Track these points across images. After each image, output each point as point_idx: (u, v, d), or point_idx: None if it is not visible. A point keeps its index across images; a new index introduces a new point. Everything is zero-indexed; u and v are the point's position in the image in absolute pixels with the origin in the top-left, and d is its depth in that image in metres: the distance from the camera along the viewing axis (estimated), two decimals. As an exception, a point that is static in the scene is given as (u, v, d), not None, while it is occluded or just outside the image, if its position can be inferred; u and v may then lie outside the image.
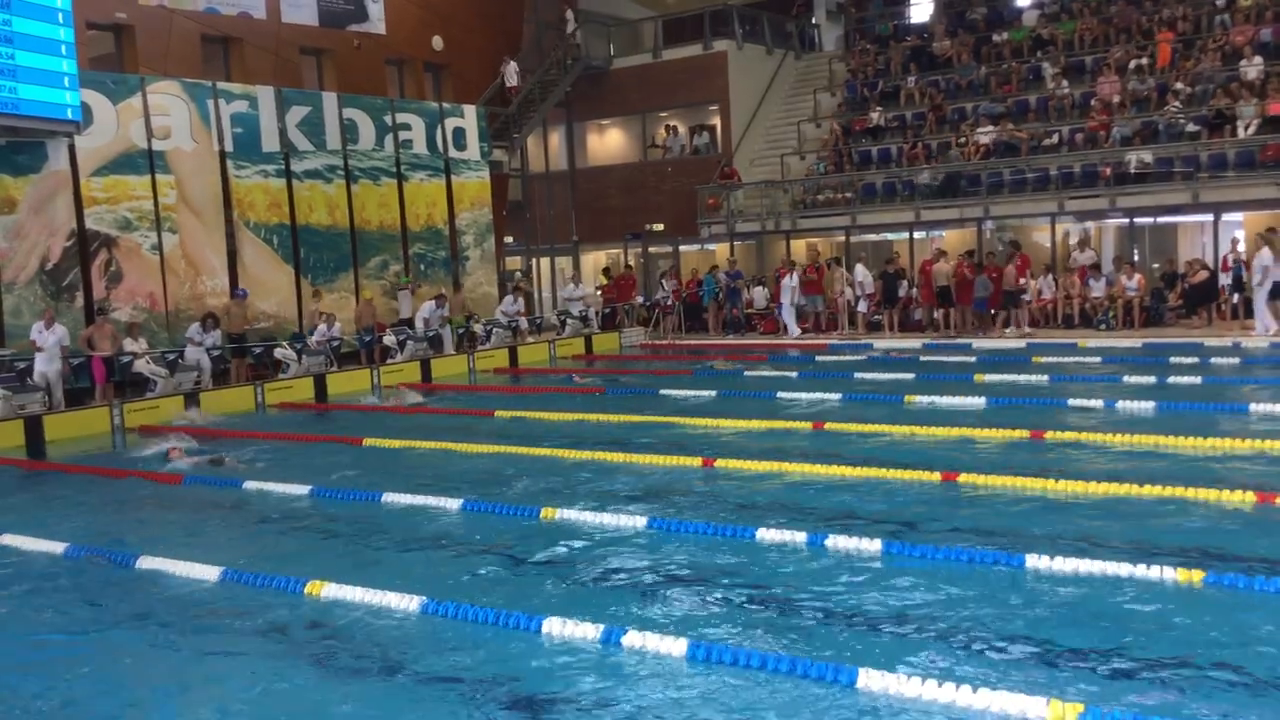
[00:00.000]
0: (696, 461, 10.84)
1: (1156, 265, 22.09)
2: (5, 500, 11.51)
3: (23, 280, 17.26)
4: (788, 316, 22.81)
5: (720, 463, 10.69)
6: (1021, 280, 20.54)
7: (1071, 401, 13.15)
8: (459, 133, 24.23)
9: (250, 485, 10.94)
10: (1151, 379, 14.58)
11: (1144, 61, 24.55)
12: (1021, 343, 19.39)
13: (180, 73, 20.08)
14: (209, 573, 7.77)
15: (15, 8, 15.81)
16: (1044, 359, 17.23)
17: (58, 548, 8.79)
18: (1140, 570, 6.67)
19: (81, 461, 13.40)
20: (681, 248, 28.80)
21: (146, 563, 8.12)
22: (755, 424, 12.93)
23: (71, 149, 17.75)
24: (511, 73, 26.71)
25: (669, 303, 25.16)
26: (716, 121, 29.48)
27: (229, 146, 20.05)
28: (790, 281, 22.63)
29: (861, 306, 22.59)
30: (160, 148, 19.02)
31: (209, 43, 21.75)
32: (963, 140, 24.83)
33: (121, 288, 18.41)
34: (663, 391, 16.12)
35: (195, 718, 5.59)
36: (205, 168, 19.75)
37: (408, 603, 6.80)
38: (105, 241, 18.27)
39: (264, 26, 22.40)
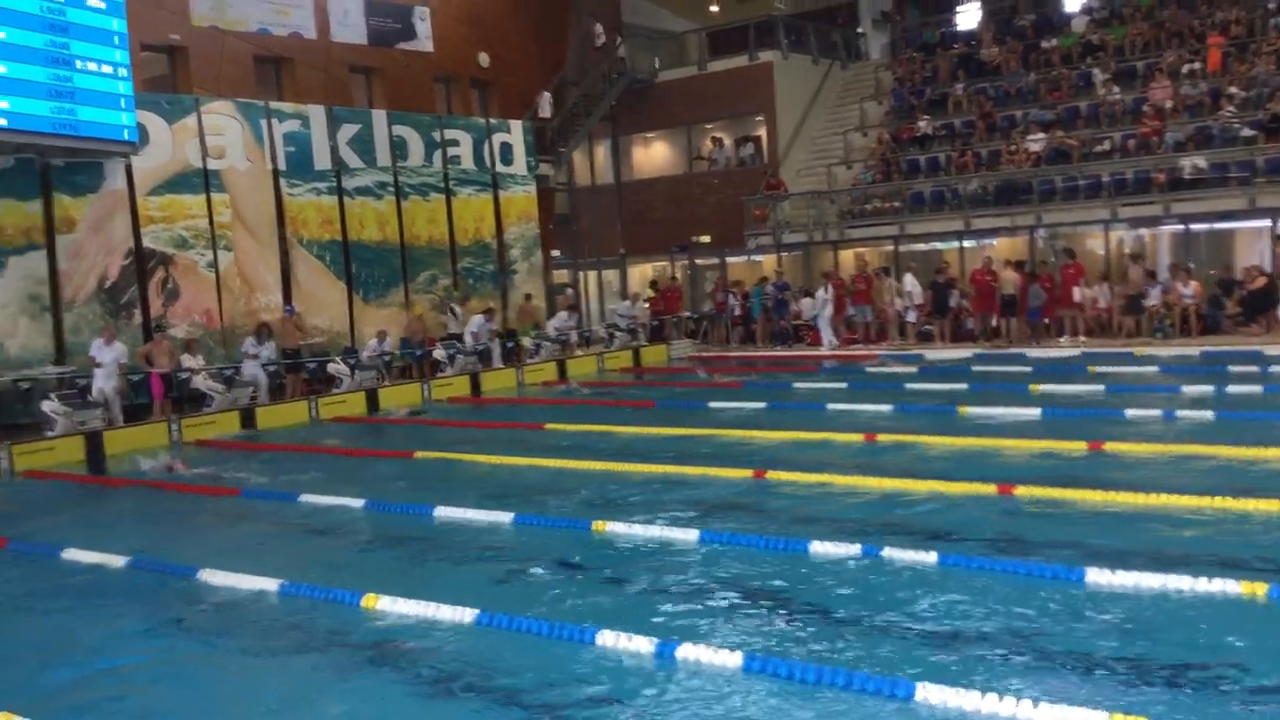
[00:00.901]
0: (747, 473, 10.81)
1: (1213, 272, 21.70)
2: (68, 514, 11.74)
3: (82, 298, 17.60)
4: (823, 328, 22.68)
5: (771, 474, 10.65)
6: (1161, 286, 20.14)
7: (1129, 412, 12.96)
8: (506, 148, 24.43)
9: (305, 498, 11.06)
10: (1210, 388, 14.34)
11: (1196, 66, 24.20)
12: (1076, 352, 19.14)
13: (233, 93, 20.41)
14: (268, 585, 7.87)
15: (73, 31, 16.18)
16: (1100, 369, 17.00)
17: (119, 561, 8.94)
18: (1202, 584, 6.55)
19: (141, 476, 13.60)
20: (728, 259, 28.75)
21: (207, 575, 8.24)
22: (805, 435, 12.87)
23: (128, 169, 18.11)
24: (545, 104, 26.88)
25: (738, 313, 25.00)
26: (762, 132, 29.43)
27: (282, 165, 20.35)
28: (824, 294, 22.49)
29: (911, 317, 22.42)
30: (215, 167, 19.35)
31: (261, 63, 22.09)
32: (1013, 148, 24.59)
33: (178, 305, 18.73)
34: (712, 404, 16.09)
35: (256, 729, 5.67)
36: (259, 186, 20.06)
37: (462, 615, 6.84)
38: (162, 260, 18.59)
39: (315, 46, 22.71)
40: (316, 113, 21.03)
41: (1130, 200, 22.18)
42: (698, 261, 29.73)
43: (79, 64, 16.27)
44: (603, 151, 31.29)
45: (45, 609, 8.01)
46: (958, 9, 32.10)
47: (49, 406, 15.37)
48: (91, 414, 15.67)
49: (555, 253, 29.59)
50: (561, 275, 30.50)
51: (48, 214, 17.27)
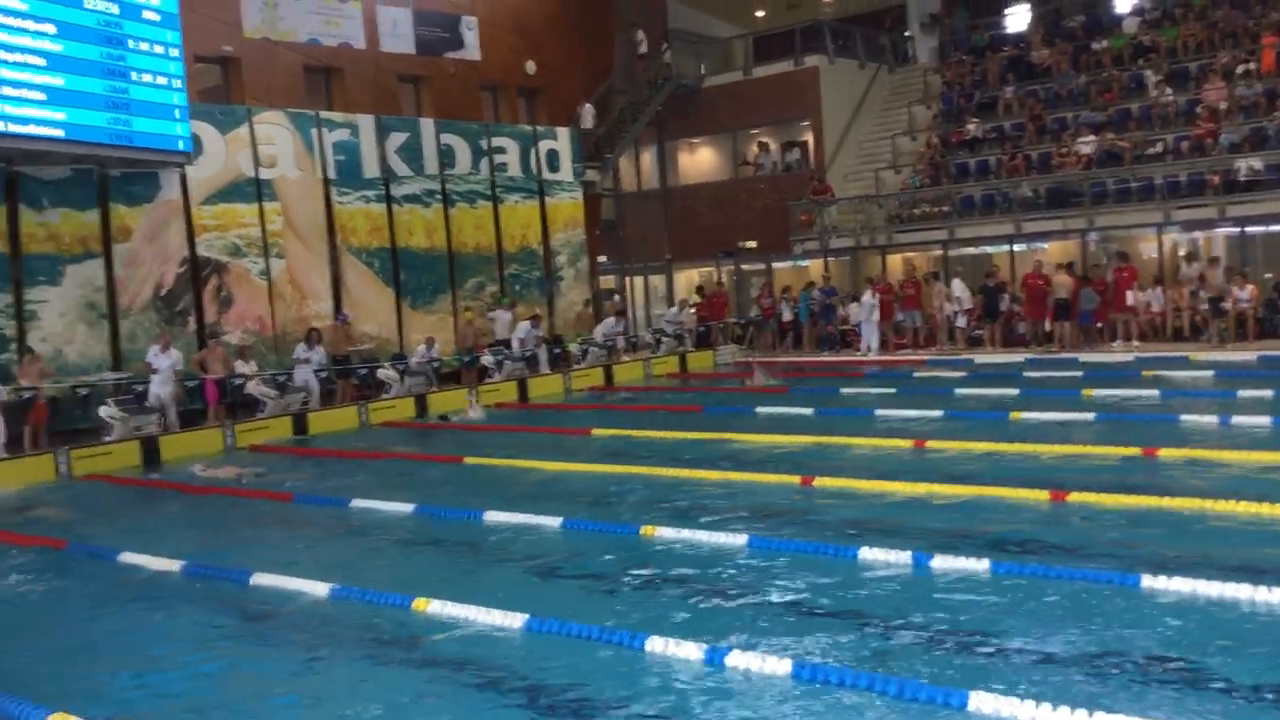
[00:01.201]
0: (795, 479, 10.77)
1: (1269, 275, 21.31)
2: (125, 518, 11.95)
3: (138, 306, 17.91)
4: (866, 333, 22.55)
5: (819, 481, 10.60)
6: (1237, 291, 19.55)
7: (1184, 417, 12.77)
8: (552, 155, 24.56)
9: (356, 503, 11.18)
10: (1268, 393, 14.07)
11: (1251, 66, 23.79)
12: (1130, 356, 18.88)
13: (284, 103, 20.68)
14: (320, 588, 7.96)
15: (128, 44, 16.50)
16: (1154, 373, 16.76)
17: (175, 564, 9.08)
18: (1260, 593, 6.43)
19: (196, 481, 13.80)
20: (774, 265, 28.66)
21: (259, 579, 8.35)
22: (853, 441, 12.80)
23: (183, 178, 18.41)
24: (587, 115, 26.95)
25: (787, 318, 24.85)
26: (809, 137, 29.31)
27: (332, 173, 20.59)
28: (870, 299, 22.38)
29: (960, 321, 22.21)
30: (267, 176, 19.62)
31: (311, 73, 22.36)
32: (1064, 150, 24.31)
33: (232, 312, 18.99)
34: (758, 409, 16.05)
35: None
36: (310, 195, 20.31)
37: (512, 620, 6.87)
38: (216, 267, 18.87)
39: (364, 56, 22.96)
40: (365, 122, 21.27)
41: (1184, 203, 21.86)
42: (744, 267, 29.66)
43: (135, 76, 16.60)
44: (648, 157, 31.32)
45: (102, 610, 8.16)
46: (1006, 11, 31.78)
47: (106, 412, 15.68)
48: (148, 419, 15.95)
49: (601, 259, 29.65)
50: (608, 281, 30.55)
51: (105, 223, 17.58)
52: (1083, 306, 20.34)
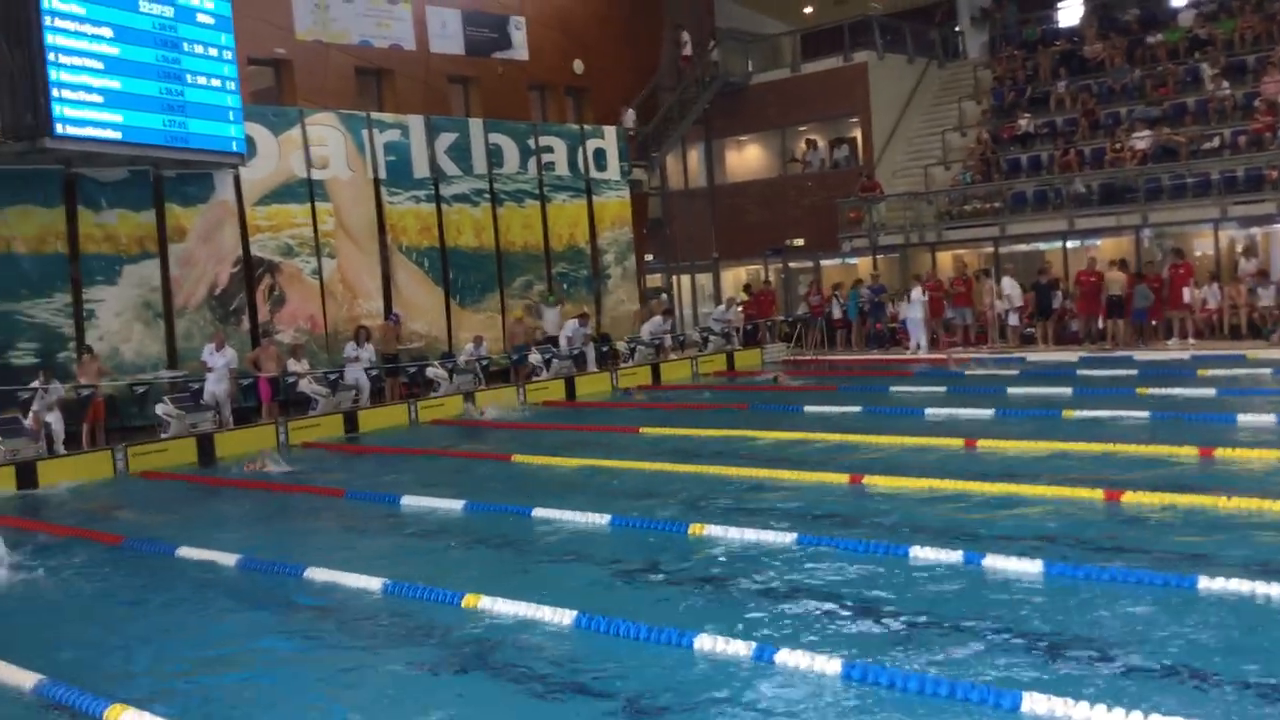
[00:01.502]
0: (844, 478, 10.71)
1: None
2: (181, 513, 12.13)
3: (193, 305, 18.19)
4: (913, 330, 22.36)
5: (868, 479, 10.54)
6: None
7: (1241, 417, 12.53)
8: (599, 153, 24.60)
9: (407, 500, 11.28)
10: (1329, 392, 13.80)
11: (1313, 58, 23.30)
12: (1185, 354, 18.57)
13: (336, 104, 20.90)
14: (371, 583, 8.04)
15: (183, 47, 16.76)
16: (1210, 372, 16.47)
17: (230, 559, 9.21)
18: (1324, 595, 6.32)
19: (250, 477, 14.00)
20: (822, 262, 28.52)
21: (313, 574, 8.45)
22: (903, 440, 12.70)
23: (236, 179, 18.67)
24: (629, 118, 26.95)
25: (838, 316, 24.72)
26: (857, 134, 29.11)
27: (382, 174, 20.77)
28: (918, 296, 22.20)
29: (1012, 319, 21.97)
30: (319, 177, 19.84)
31: (363, 75, 22.60)
32: (1118, 146, 23.95)
33: (285, 311, 19.22)
34: (807, 408, 15.97)
35: (362, 725, 5.81)
36: (361, 195, 20.51)
37: (561, 616, 6.90)
38: (269, 267, 19.12)
39: (414, 57, 23.16)
40: (416, 122, 21.43)
41: (1241, 198, 21.46)
42: (791, 265, 29.54)
43: (189, 78, 16.84)
44: (696, 155, 31.28)
45: (159, 604, 8.31)
46: (1059, 5, 31.35)
47: (163, 409, 15.95)
48: (203, 417, 16.20)
49: (649, 257, 29.67)
50: (655, 280, 30.57)
51: (160, 224, 17.88)
52: (1137, 304, 20.05)
